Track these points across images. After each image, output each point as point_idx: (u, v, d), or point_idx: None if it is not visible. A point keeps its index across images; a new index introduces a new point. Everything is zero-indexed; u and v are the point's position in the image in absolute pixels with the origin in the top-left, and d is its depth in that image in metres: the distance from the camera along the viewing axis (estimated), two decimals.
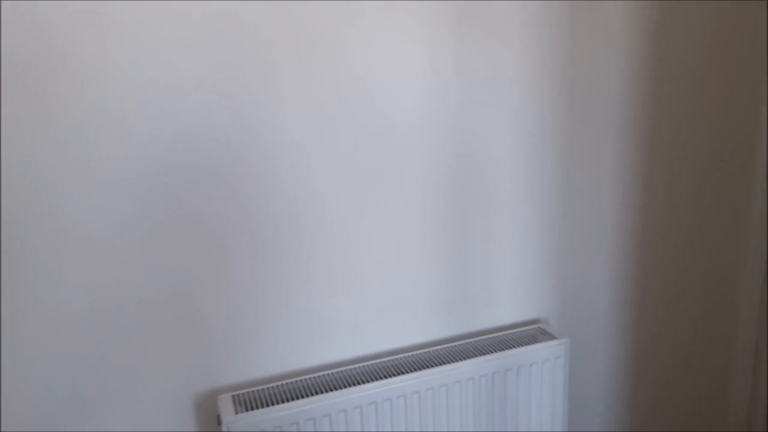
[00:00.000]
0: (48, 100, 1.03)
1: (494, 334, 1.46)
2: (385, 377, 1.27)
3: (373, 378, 1.28)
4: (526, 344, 1.41)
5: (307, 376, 1.28)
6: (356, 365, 1.32)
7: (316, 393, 1.22)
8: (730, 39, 1.61)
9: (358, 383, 1.25)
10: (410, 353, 1.37)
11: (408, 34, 1.25)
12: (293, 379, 1.27)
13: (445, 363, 1.33)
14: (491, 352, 1.38)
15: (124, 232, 1.12)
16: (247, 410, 1.17)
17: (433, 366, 1.31)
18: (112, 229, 1.11)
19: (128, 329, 1.16)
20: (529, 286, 1.53)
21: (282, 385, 1.26)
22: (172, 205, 1.14)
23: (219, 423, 1.15)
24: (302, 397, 1.21)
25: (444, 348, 1.40)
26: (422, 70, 1.28)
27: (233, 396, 1.21)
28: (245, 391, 1.23)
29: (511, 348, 1.39)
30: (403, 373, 1.29)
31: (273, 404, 1.19)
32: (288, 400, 1.20)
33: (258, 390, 1.24)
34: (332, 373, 1.30)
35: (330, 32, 1.18)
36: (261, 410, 1.16)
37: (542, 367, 1.41)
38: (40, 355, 1.10)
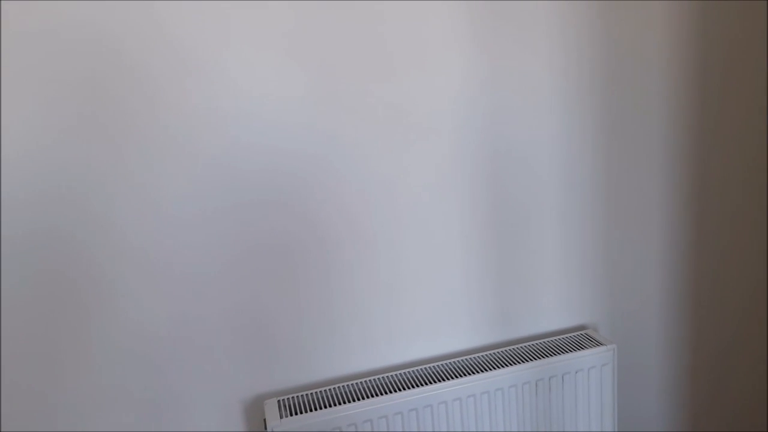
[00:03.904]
0: (123, 123, 1.11)
1: (538, 341, 1.45)
2: (427, 384, 1.29)
3: (415, 384, 1.29)
4: (571, 351, 1.39)
5: (350, 382, 1.31)
6: (398, 371, 1.34)
7: (359, 399, 1.25)
8: None
9: (400, 389, 1.27)
10: (452, 360, 1.38)
11: (446, 38, 1.26)
12: (338, 385, 1.30)
13: (486, 370, 1.33)
14: (535, 358, 1.36)
15: (195, 263, 1.20)
16: (291, 415, 1.21)
17: (474, 373, 1.32)
18: (184, 259, 1.19)
19: (189, 340, 1.23)
20: (576, 291, 1.50)
21: (327, 390, 1.29)
22: (240, 233, 1.21)
23: (265, 427, 1.20)
24: (345, 402, 1.24)
25: (487, 354, 1.40)
26: (459, 74, 1.29)
27: (279, 401, 1.26)
28: (291, 396, 1.27)
29: (555, 354, 1.37)
30: (444, 379, 1.30)
31: (317, 409, 1.22)
32: (331, 405, 1.23)
33: (303, 395, 1.28)
34: (374, 379, 1.32)
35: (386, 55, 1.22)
36: (304, 415, 1.20)
37: (589, 375, 1.39)
38: (109, 364, 1.19)
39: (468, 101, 1.30)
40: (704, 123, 1.51)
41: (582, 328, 1.53)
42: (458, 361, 1.37)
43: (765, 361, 1.74)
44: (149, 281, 1.18)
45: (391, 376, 1.33)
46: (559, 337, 1.46)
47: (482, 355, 1.39)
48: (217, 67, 1.13)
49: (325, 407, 1.23)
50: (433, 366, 1.36)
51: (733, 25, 1.49)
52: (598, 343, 1.41)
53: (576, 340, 1.44)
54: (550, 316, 1.49)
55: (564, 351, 1.39)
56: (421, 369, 1.35)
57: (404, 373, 1.34)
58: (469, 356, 1.39)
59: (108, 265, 1.15)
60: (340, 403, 1.24)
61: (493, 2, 1.27)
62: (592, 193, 1.46)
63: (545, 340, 1.45)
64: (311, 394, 1.28)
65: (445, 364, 1.37)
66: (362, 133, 1.25)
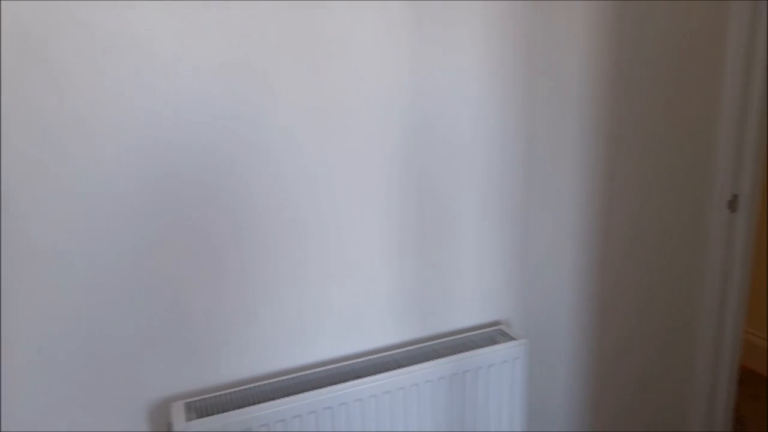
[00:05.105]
0: (27, 108, 1.02)
1: (454, 337, 1.47)
2: (343, 381, 1.27)
3: (331, 382, 1.27)
4: (484, 346, 1.41)
5: (264, 382, 1.28)
6: (314, 370, 1.32)
7: (273, 398, 1.22)
8: (691, 36, 1.62)
9: (316, 388, 1.25)
10: (369, 357, 1.37)
11: (374, 32, 1.25)
12: (251, 385, 1.26)
13: (403, 366, 1.33)
14: (450, 354, 1.38)
15: (99, 254, 1.12)
16: (199, 417, 1.16)
17: (390, 369, 1.32)
18: (87, 251, 1.12)
19: (90, 339, 1.15)
20: (491, 288, 1.54)
21: (239, 391, 1.25)
22: (148, 217, 1.14)
23: (171, 430, 1.15)
24: (259, 402, 1.21)
25: (403, 351, 1.40)
26: (382, 76, 1.28)
27: (187, 403, 1.20)
28: (201, 398, 1.22)
29: (469, 350, 1.40)
30: (360, 377, 1.29)
31: (227, 411, 1.18)
32: (244, 407, 1.19)
33: (213, 396, 1.23)
34: (289, 378, 1.29)
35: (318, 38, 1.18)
36: (213, 417, 1.15)
37: (501, 369, 1.42)
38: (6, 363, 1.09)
39: (393, 90, 1.30)
40: (618, 121, 1.57)
41: (496, 323, 1.56)
42: (374, 358, 1.37)
43: (679, 360, 1.85)
44: (48, 276, 1.09)
45: (306, 375, 1.31)
46: (474, 333, 1.49)
47: (398, 352, 1.40)
48: (130, 40, 1.07)
49: (237, 408, 1.19)
50: (350, 364, 1.35)
51: (654, 20, 1.55)
52: (511, 338, 1.45)
53: (490, 335, 1.48)
54: (466, 313, 1.52)
55: (478, 346, 1.41)
56: (337, 367, 1.33)
57: (320, 371, 1.32)
58: (386, 353, 1.39)
59: (4, 262, 1.06)
60: (253, 404, 1.20)
61: None
62: (508, 194, 1.49)
63: (460, 336, 1.47)
64: (223, 395, 1.24)
65: (361, 362, 1.36)
66: (289, 118, 1.22)
